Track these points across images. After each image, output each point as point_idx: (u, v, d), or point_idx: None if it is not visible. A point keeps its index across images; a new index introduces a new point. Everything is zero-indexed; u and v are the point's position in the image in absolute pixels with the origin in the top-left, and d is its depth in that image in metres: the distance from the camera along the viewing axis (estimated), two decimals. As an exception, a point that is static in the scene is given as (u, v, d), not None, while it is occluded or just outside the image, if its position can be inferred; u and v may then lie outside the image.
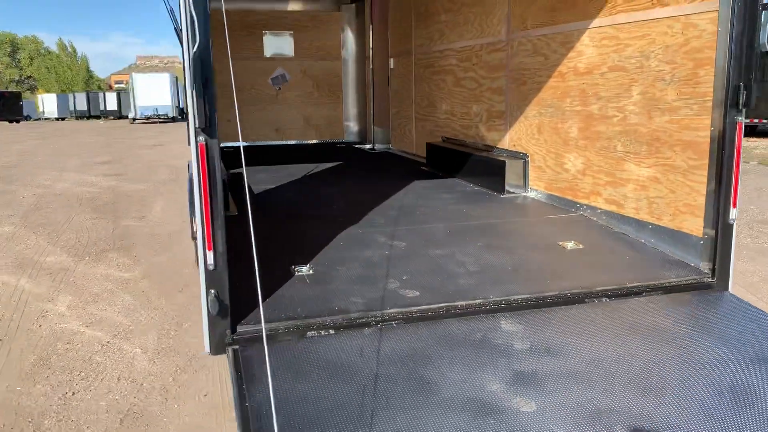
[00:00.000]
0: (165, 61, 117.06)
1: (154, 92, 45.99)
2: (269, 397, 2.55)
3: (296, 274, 4.09)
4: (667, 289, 4.02)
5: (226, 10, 3.56)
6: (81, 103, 54.63)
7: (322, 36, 11.40)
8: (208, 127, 3.15)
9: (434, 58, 8.36)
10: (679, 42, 4.36)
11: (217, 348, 3.37)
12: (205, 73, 3.10)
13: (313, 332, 3.46)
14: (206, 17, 3.08)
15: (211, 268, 3.28)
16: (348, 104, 11.72)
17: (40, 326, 4.95)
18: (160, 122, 41.28)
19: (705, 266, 4.21)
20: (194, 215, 3.36)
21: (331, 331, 3.47)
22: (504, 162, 6.39)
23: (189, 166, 5.39)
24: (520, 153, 6.47)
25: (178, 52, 9.84)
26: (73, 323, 4.98)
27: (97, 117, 53.21)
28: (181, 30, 3.37)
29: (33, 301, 5.52)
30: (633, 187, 4.90)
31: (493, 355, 3.21)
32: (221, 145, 7.91)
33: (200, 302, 3.28)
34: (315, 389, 2.91)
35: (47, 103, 56.21)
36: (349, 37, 11.45)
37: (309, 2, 11.56)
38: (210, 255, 3.27)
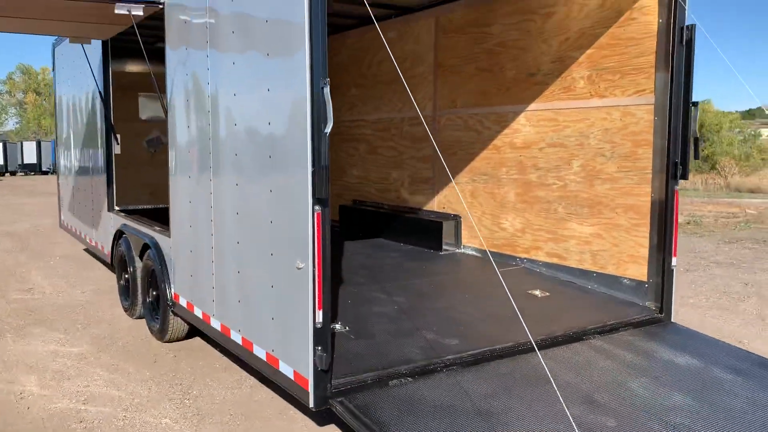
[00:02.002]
0: None
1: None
2: None
3: (335, 331, 4.39)
4: (634, 324, 4.97)
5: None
6: None
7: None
8: (325, 198, 3.47)
9: (344, 127, 8.96)
10: (618, 126, 5.48)
11: (320, 402, 3.60)
12: (325, 151, 3.44)
13: (395, 381, 3.83)
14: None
15: (319, 326, 3.55)
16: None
17: (27, 408, 4.56)
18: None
19: (652, 304, 5.24)
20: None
21: (410, 379, 3.87)
22: (441, 222, 7.13)
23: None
24: (452, 214, 7.27)
25: None
26: (65, 402, 4.66)
27: None
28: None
29: (2, 381, 5.04)
30: (575, 242, 5.89)
31: (555, 384, 3.84)
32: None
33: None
34: (440, 428, 3.30)
35: None
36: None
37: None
38: (320, 314, 3.54)
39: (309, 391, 3.59)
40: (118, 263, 7.21)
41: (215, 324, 4.73)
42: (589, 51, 5.67)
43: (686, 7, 4.91)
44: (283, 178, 3.73)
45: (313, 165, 3.44)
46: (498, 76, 6.57)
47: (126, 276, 7.02)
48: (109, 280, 8.82)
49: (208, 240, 4.78)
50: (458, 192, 7.12)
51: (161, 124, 11.11)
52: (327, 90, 3.37)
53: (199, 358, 5.62)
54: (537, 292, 5.52)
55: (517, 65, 6.37)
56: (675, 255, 5.17)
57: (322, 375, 3.58)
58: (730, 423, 3.51)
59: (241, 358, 4.44)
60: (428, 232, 7.27)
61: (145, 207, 11.48)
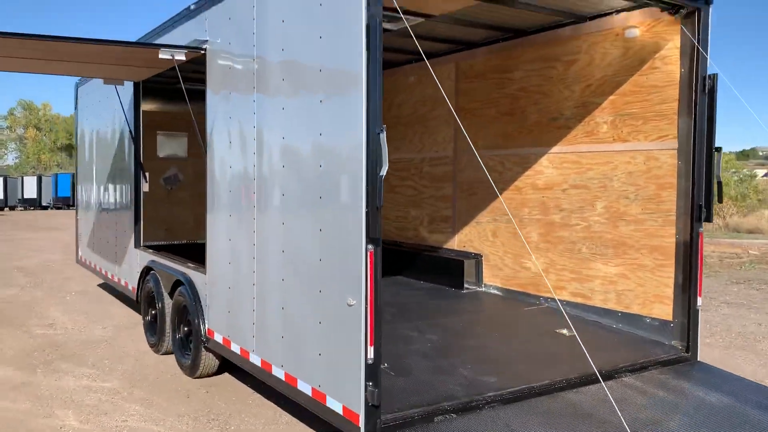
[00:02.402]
0: None
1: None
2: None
3: (375, 368, 4.48)
4: (663, 362, 5.08)
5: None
6: None
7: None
8: (377, 238, 3.62)
9: (363, 167, 9.13)
10: (641, 169, 5.67)
11: (371, 437, 3.68)
12: (380, 193, 3.60)
13: (440, 417, 3.92)
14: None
15: (370, 362, 3.66)
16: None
17: (72, 443, 4.64)
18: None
19: (678, 344, 5.35)
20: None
21: (454, 415, 3.96)
22: (462, 261, 7.27)
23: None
24: (473, 253, 7.41)
25: None
26: (106, 437, 4.74)
27: None
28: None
29: (28, 419, 5.09)
30: (600, 282, 6.02)
31: (595, 421, 3.94)
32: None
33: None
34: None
35: None
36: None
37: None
38: (371, 350, 3.65)
39: (360, 426, 3.67)
40: (144, 299, 7.30)
41: (255, 359, 4.82)
42: (611, 97, 5.90)
43: (708, 57, 5.14)
44: (335, 218, 3.88)
45: (368, 206, 3.60)
46: (520, 120, 6.79)
47: (153, 312, 7.11)
48: (128, 316, 8.90)
49: (249, 277, 4.91)
50: (478, 231, 7.28)
51: (178, 162, 11.34)
52: (383, 136, 3.54)
53: (231, 394, 5.69)
54: (564, 331, 5.63)
55: (539, 109, 6.59)
56: (700, 295, 5.31)
57: (372, 410, 3.68)
58: (770, 460, 3.61)
59: (283, 393, 4.52)
60: (449, 270, 7.40)
61: (162, 243, 11.65)
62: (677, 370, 4.98)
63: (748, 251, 18.39)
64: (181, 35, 6.02)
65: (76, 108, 10.55)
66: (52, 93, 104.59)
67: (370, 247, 3.62)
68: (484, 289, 7.26)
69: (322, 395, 4.02)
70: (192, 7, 5.76)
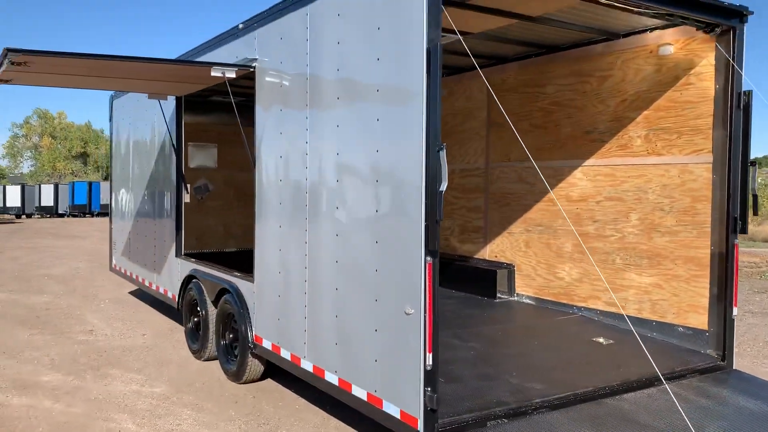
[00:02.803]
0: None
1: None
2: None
3: (425, 374, 4.66)
4: (700, 370, 5.22)
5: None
6: None
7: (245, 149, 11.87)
8: (435, 250, 3.81)
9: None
10: (676, 182, 5.83)
11: (429, 440, 3.86)
12: (440, 208, 3.78)
13: (492, 421, 4.09)
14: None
15: (429, 368, 3.84)
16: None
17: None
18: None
19: (713, 352, 5.49)
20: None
21: (505, 420, 4.13)
22: (495, 271, 7.44)
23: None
24: (504, 263, 7.58)
25: None
26: (165, 438, 4.94)
27: None
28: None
29: (88, 422, 5.30)
30: (635, 292, 6.17)
31: (640, 427, 4.10)
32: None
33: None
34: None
35: None
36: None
37: (233, 118, 12.07)
38: (429, 357, 3.83)
39: (419, 429, 3.85)
40: (186, 307, 7.51)
41: (306, 365, 5.01)
42: (646, 112, 6.07)
43: (743, 74, 5.31)
44: (392, 231, 4.07)
45: (427, 219, 3.79)
46: (553, 133, 6.97)
47: (195, 320, 7.33)
48: (164, 323, 9.13)
49: (300, 286, 5.10)
50: (510, 242, 7.45)
51: (208, 172, 11.57)
52: (443, 153, 3.74)
53: (277, 399, 5.88)
54: (601, 340, 5.79)
55: (572, 123, 6.77)
56: (736, 305, 5.45)
57: (431, 414, 3.85)
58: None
59: (336, 397, 4.70)
60: (482, 279, 7.56)
61: (198, 252, 11.87)
62: (715, 378, 5.13)
63: (766, 260, 18.42)
64: (228, 53, 6.25)
65: (111, 120, 10.82)
66: (67, 102, 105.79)
67: (428, 258, 3.80)
68: (516, 298, 7.42)
69: (378, 400, 4.20)
70: (240, 26, 5.99)
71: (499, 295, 7.45)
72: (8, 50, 4.86)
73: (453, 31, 4.16)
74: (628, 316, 6.22)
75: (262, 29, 5.67)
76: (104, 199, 47.84)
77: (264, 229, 5.75)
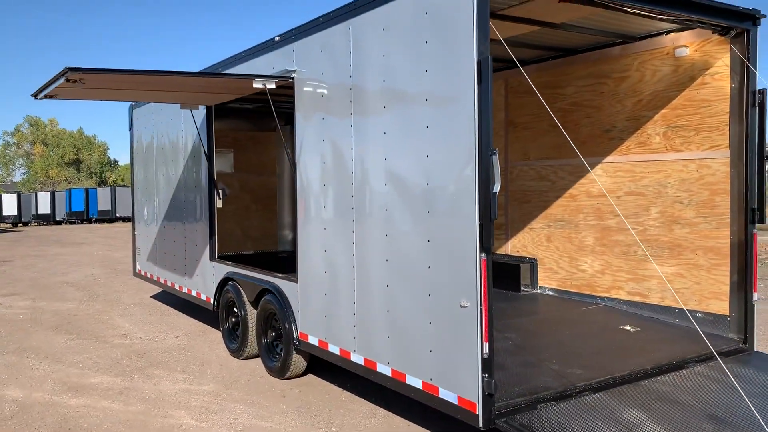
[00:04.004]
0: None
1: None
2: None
3: (471, 363, 4.97)
4: (725, 353, 5.56)
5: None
6: None
7: (261, 154, 12.15)
8: (489, 246, 4.12)
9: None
10: (694, 177, 6.16)
11: (487, 422, 4.17)
12: (495, 208, 4.09)
13: (542, 404, 4.41)
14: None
15: (486, 356, 4.15)
16: (283, 215, 12.43)
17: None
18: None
19: (735, 336, 5.83)
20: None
21: (554, 403, 4.45)
22: (519, 265, 7.77)
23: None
24: (527, 257, 7.91)
25: None
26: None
27: None
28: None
29: (148, 419, 5.58)
30: (657, 281, 6.51)
31: (679, 405, 4.43)
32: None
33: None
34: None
35: None
36: (284, 154, 12.36)
37: (248, 123, 12.34)
38: (486, 346, 4.15)
39: (477, 413, 4.16)
40: (223, 309, 7.80)
41: (357, 359, 5.31)
42: (663, 111, 6.40)
43: (757, 73, 5.65)
44: (445, 230, 4.38)
45: (481, 219, 4.10)
46: (572, 132, 7.28)
47: (233, 320, 7.61)
48: (195, 325, 9.41)
49: (349, 284, 5.41)
50: (532, 237, 7.77)
51: (225, 177, 11.82)
52: (496, 157, 4.05)
53: (323, 393, 6.18)
54: (628, 327, 6.12)
55: (591, 122, 7.09)
56: (756, 291, 5.79)
57: (488, 399, 4.17)
58: (842, 434, 4.09)
59: (390, 387, 5.00)
60: (506, 274, 7.88)
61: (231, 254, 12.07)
62: (739, 359, 5.47)
63: (765, 249, 18.84)
64: (265, 64, 6.53)
65: (131, 129, 11.08)
66: (58, 109, 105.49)
67: (483, 255, 4.11)
68: (539, 291, 7.75)
69: (435, 387, 4.51)
70: (277, 39, 6.28)
71: (523, 288, 7.78)
72: (69, 69, 5.14)
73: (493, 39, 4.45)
74: (651, 304, 6.56)
75: (301, 42, 5.96)
76: (101, 205, 48.06)
77: (307, 232, 6.04)
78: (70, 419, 5.64)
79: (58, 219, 47.76)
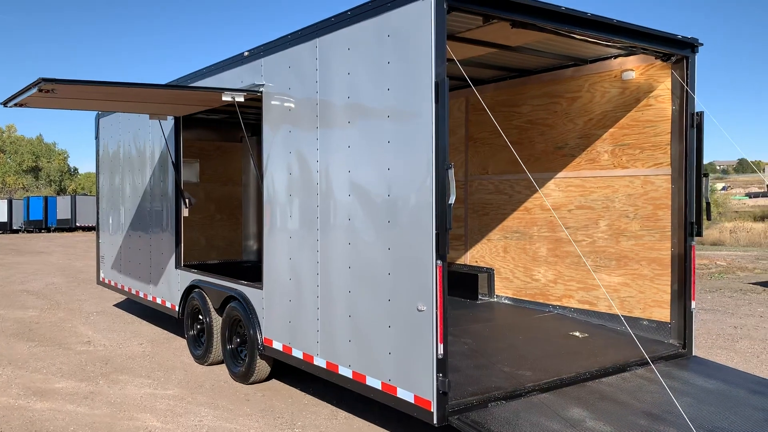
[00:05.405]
0: None
1: None
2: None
3: (428, 365, 5.24)
4: (665, 358, 5.95)
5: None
6: None
7: (226, 164, 12.30)
8: (445, 254, 4.41)
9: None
10: (639, 192, 6.58)
11: (441, 419, 4.44)
12: (449, 218, 4.39)
13: (493, 402, 4.70)
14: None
15: (440, 357, 4.43)
16: (248, 225, 12.57)
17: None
18: None
19: (675, 341, 6.23)
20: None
21: (504, 402, 4.75)
22: (477, 275, 8.10)
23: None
24: (485, 267, 8.24)
25: None
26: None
27: None
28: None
29: (114, 422, 5.64)
30: (605, 290, 6.89)
31: (619, 404, 4.77)
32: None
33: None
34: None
35: None
36: (250, 164, 12.53)
37: (215, 133, 12.48)
38: (441, 347, 4.42)
39: (432, 411, 4.43)
40: (188, 316, 7.94)
41: (319, 362, 5.54)
42: (611, 129, 6.81)
43: (695, 96, 6.09)
44: (404, 238, 4.66)
45: (438, 228, 4.39)
46: (527, 148, 7.67)
47: (198, 327, 7.76)
48: (158, 332, 9.51)
49: (312, 290, 5.64)
50: (490, 248, 8.12)
51: (191, 187, 11.90)
52: (451, 171, 4.35)
53: (286, 396, 6.38)
54: (577, 333, 6.48)
55: (545, 139, 7.48)
56: (694, 299, 6.20)
57: (442, 397, 4.44)
58: (760, 428, 4.48)
59: (350, 389, 5.24)
60: (464, 283, 8.21)
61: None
62: (678, 363, 5.86)
63: (715, 262, 19.61)
64: (233, 78, 6.76)
65: (97, 137, 11.14)
66: (16, 115, 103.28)
67: (439, 262, 4.40)
68: (496, 299, 8.08)
69: (393, 388, 4.77)
70: (246, 54, 6.52)
71: (480, 296, 8.10)
72: (42, 79, 5.29)
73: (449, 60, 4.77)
74: (599, 312, 6.94)
75: (270, 57, 6.21)
76: (61, 214, 47.22)
77: (273, 240, 6.26)
78: (36, 422, 5.73)
79: (15, 227, 46.74)
